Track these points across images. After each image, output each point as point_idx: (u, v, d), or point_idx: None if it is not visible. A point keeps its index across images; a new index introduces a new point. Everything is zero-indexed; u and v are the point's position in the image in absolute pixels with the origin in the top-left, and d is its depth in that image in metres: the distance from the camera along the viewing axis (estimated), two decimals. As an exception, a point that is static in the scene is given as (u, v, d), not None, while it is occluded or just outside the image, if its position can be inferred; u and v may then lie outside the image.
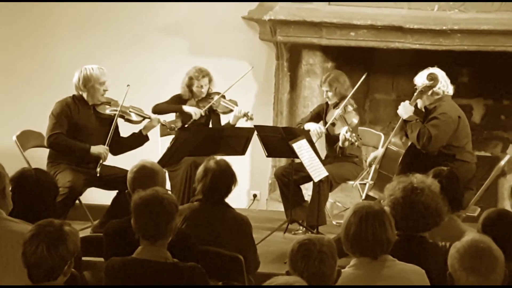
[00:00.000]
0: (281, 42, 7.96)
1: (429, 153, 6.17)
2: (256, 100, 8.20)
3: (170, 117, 7.20)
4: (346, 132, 6.60)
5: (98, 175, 6.36)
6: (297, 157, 6.38)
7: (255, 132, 6.65)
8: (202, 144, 6.56)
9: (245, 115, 7.08)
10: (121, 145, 6.64)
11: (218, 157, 5.05)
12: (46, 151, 6.50)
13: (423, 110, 6.34)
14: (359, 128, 7.11)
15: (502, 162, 6.65)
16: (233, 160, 5.07)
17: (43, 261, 3.29)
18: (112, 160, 6.57)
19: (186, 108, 7.10)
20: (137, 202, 3.84)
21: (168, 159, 6.54)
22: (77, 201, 6.46)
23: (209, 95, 7.21)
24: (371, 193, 6.51)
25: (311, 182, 6.62)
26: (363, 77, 6.92)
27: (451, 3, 7.68)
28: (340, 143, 6.72)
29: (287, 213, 6.77)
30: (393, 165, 6.31)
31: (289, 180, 6.72)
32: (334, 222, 7.09)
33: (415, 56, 7.67)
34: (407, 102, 6.34)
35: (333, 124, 6.90)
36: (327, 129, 6.99)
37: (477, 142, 7.74)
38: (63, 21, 8.41)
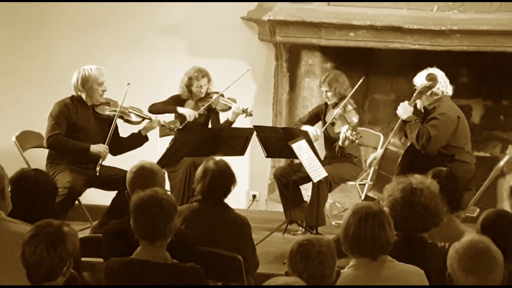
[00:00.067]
0: (280, 42, 7.97)
1: (428, 154, 6.17)
2: (255, 101, 8.21)
3: (170, 117, 7.20)
4: (347, 131, 6.60)
5: (97, 174, 6.36)
6: (296, 158, 6.38)
7: (254, 133, 6.65)
8: (201, 145, 6.56)
9: (244, 111, 7.09)
10: (120, 146, 6.64)
11: (217, 158, 5.06)
12: (46, 151, 6.50)
13: (422, 110, 6.34)
14: (359, 128, 7.11)
15: (501, 163, 6.66)
16: (232, 161, 5.07)
17: (42, 261, 3.29)
18: (111, 161, 6.56)
19: (181, 109, 7.09)
20: (136, 203, 3.84)
21: (167, 160, 6.54)
22: (76, 202, 6.46)
23: (208, 95, 7.21)
24: (370, 194, 6.51)
25: (310, 183, 6.62)
26: (361, 80, 6.92)
27: (450, 3, 7.68)
28: (340, 142, 6.72)
29: (286, 213, 6.77)
30: (392, 166, 6.31)
31: (288, 180, 6.72)
32: (333, 223, 7.09)
33: (414, 57, 7.67)
34: (406, 102, 6.34)
35: (332, 124, 6.90)
36: (326, 129, 6.99)
37: (476, 142, 7.74)
38: (63, 21, 8.42)
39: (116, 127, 6.62)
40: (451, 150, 6.24)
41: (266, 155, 6.73)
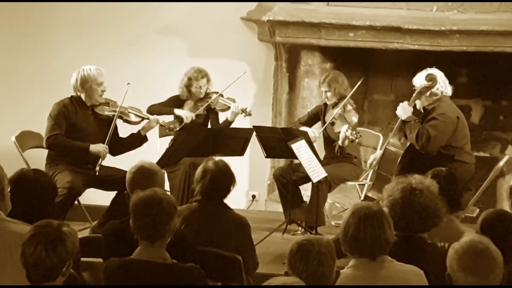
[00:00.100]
0: (280, 42, 7.97)
1: (428, 154, 6.17)
2: (255, 101, 8.21)
3: (169, 117, 7.21)
4: (347, 130, 6.60)
5: (97, 174, 6.36)
6: (296, 158, 6.38)
7: (254, 133, 6.65)
8: (201, 145, 6.56)
9: (243, 110, 7.09)
10: (120, 146, 6.64)
11: (217, 158, 5.05)
12: (45, 151, 6.50)
13: (422, 110, 6.34)
14: (358, 128, 7.11)
15: (501, 163, 6.66)
16: (231, 161, 5.07)
17: (42, 261, 3.29)
18: (111, 161, 6.57)
19: (178, 111, 7.09)
20: (136, 203, 3.84)
21: (167, 160, 6.54)
22: (76, 202, 6.47)
23: (207, 95, 7.21)
24: (369, 194, 6.52)
25: (310, 183, 6.62)
26: (360, 81, 6.92)
27: (449, 3, 7.68)
28: (340, 142, 6.72)
29: (286, 213, 6.77)
30: (391, 166, 6.31)
31: (288, 180, 6.72)
32: (332, 223, 7.09)
33: (414, 57, 7.68)
34: (405, 102, 6.34)
35: (332, 123, 6.90)
36: (326, 129, 6.99)
37: (475, 142, 7.74)
38: (63, 21, 8.42)
39: (116, 128, 6.62)
40: (450, 150, 6.24)
41: (265, 155, 6.73)
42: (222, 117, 7.27)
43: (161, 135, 7.39)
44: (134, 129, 6.79)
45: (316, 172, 6.35)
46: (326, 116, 7.05)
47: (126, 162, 5.39)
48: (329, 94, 6.99)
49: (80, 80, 6.45)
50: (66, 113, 6.41)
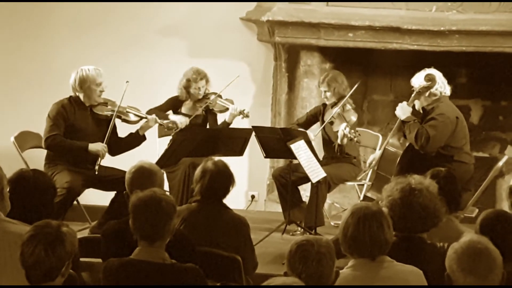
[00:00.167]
0: (279, 43, 7.97)
1: (427, 154, 6.17)
2: (254, 101, 8.21)
3: (169, 117, 7.22)
4: (345, 128, 6.60)
5: (96, 173, 6.36)
6: (295, 158, 6.38)
7: (253, 133, 6.65)
8: (200, 145, 6.56)
9: (241, 112, 7.09)
10: (119, 146, 6.64)
11: (216, 158, 5.05)
12: (44, 152, 6.50)
13: (421, 111, 6.34)
14: (358, 128, 7.11)
15: (500, 163, 6.66)
16: (231, 161, 5.07)
17: (41, 262, 3.29)
18: (110, 161, 6.57)
19: (172, 117, 7.07)
20: (135, 203, 3.83)
21: (166, 160, 6.54)
22: (75, 202, 6.46)
23: (205, 96, 7.21)
24: (369, 194, 6.52)
25: (309, 183, 6.62)
26: (357, 84, 6.92)
27: (449, 3, 7.68)
28: (338, 140, 6.72)
29: (285, 214, 6.77)
30: (391, 166, 6.32)
31: (287, 181, 6.72)
32: (332, 223, 7.10)
33: (413, 57, 7.68)
34: (404, 103, 6.35)
35: (331, 123, 6.90)
36: (324, 129, 6.99)
37: (475, 143, 7.74)
38: (63, 21, 8.42)
39: (115, 127, 6.62)
40: (450, 151, 6.24)
41: (265, 155, 6.74)
42: (220, 118, 7.27)
43: (160, 135, 7.39)
44: (133, 129, 6.79)
45: (315, 172, 6.36)
46: (325, 116, 7.05)
47: (125, 162, 5.40)
48: (328, 94, 6.99)
49: (78, 80, 6.45)
50: (64, 114, 6.41)
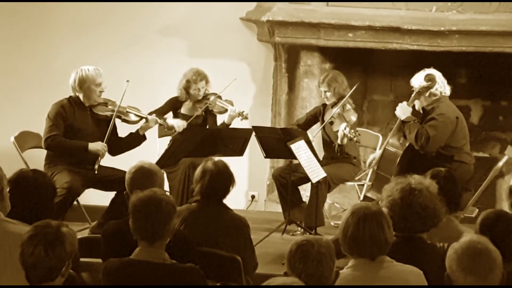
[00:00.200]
0: (279, 43, 7.97)
1: (427, 154, 6.17)
2: (254, 101, 8.21)
3: (168, 117, 7.21)
4: (345, 128, 6.60)
5: (96, 172, 6.36)
6: (295, 158, 6.38)
7: (253, 133, 6.65)
8: (200, 145, 6.56)
9: (240, 114, 7.08)
10: (119, 146, 6.64)
11: (216, 158, 5.05)
12: (44, 152, 6.50)
13: (421, 111, 6.34)
14: (358, 129, 7.11)
15: (500, 163, 6.66)
16: (231, 161, 5.07)
17: (41, 262, 3.29)
18: (110, 161, 6.57)
19: (170, 121, 7.06)
20: (135, 203, 3.83)
21: (166, 160, 6.54)
22: (75, 202, 6.46)
23: (205, 96, 7.21)
24: (369, 194, 6.52)
25: (309, 183, 6.62)
26: (355, 86, 6.93)
27: (449, 4, 7.68)
28: (338, 140, 6.72)
29: (285, 214, 6.77)
30: (391, 166, 6.32)
31: (287, 181, 6.72)
32: (332, 223, 7.10)
33: (413, 57, 7.67)
34: (404, 103, 6.35)
35: (331, 123, 6.91)
36: (324, 129, 6.99)
37: (475, 143, 7.74)
38: (63, 21, 8.42)
39: (115, 127, 6.62)
40: (450, 151, 6.24)
41: (265, 155, 6.74)
42: (220, 119, 7.27)
43: (160, 135, 7.38)
44: (133, 129, 6.79)
45: (316, 172, 6.36)
46: (325, 116, 7.05)
47: (125, 162, 5.40)
48: (328, 94, 6.99)
49: (78, 81, 6.45)
50: (64, 114, 6.41)
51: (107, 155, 6.49)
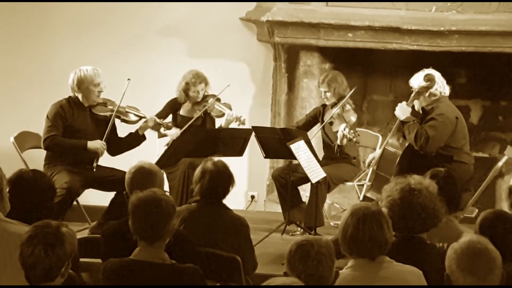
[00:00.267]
0: (279, 43, 7.97)
1: (427, 154, 6.17)
2: (253, 102, 8.21)
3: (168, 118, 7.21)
4: (344, 129, 6.60)
5: (94, 170, 6.36)
6: (295, 158, 6.38)
7: (253, 133, 6.65)
8: (199, 146, 6.56)
9: (237, 119, 7.07)
10: (118, 146, 6.64)
11: (216, 158, 5.05)
12: (44, 152, 6.50)
13: (421, 111, 6.34)
14: (357, 129, 7.11)
15: (500, 163, 6.67)
16: (230, 161, 5.07)
17: (40, 262, 3.29)
18: (109, 161, 6.57)
19: (165, 131, 7.06)
20: (135, 203, 3.84)
21: (166, 161, 6.54)
22: (74, 202, 6.46)
23: (204, 98, 7.21)
24: (368, 194, 6.51)
25: (309, 183, 6.62)
26: (353, 89, 6.93)
27: (448, 4, 7.68)
28: (338, 141, 6.72)
29: (285, 214, 6.77)
30: (390, 166, 6.32)
31: (287, 181, 6.72)
32: (331, 223, 7.10)
33: (413, 57, 7.67)
34: (404, 103, 6.35)
35: (331, 123, 6.91)
36: (324, 129, 6.99)
37: (474, 143, 7.74)
38: (63, 21, 8.42)
39: (114, 127, 6.62)
40: (449, 151, 6.24)
41: (264, 155, 6.74)
42: (218, 122, 7.26)
43: (160, 135, 7.38)
44: (133, 129, 6.79)
45: (315, 172, 6.35)
46: (325, 116, 7.05)
47: (125, 162, 5.40)
48: (328, 94, 6.99)
49: (76, 81, 6.45)
50: (63, 114, 6.41)
51: (107, 155, 6.49)
